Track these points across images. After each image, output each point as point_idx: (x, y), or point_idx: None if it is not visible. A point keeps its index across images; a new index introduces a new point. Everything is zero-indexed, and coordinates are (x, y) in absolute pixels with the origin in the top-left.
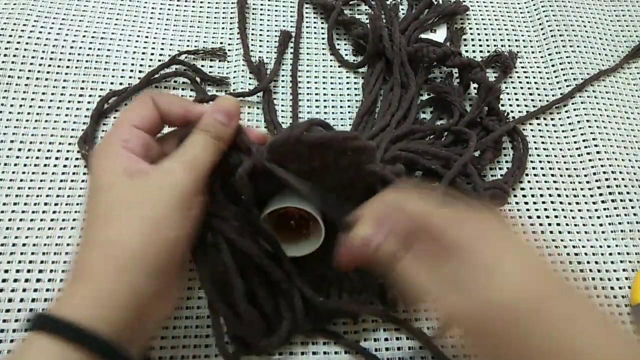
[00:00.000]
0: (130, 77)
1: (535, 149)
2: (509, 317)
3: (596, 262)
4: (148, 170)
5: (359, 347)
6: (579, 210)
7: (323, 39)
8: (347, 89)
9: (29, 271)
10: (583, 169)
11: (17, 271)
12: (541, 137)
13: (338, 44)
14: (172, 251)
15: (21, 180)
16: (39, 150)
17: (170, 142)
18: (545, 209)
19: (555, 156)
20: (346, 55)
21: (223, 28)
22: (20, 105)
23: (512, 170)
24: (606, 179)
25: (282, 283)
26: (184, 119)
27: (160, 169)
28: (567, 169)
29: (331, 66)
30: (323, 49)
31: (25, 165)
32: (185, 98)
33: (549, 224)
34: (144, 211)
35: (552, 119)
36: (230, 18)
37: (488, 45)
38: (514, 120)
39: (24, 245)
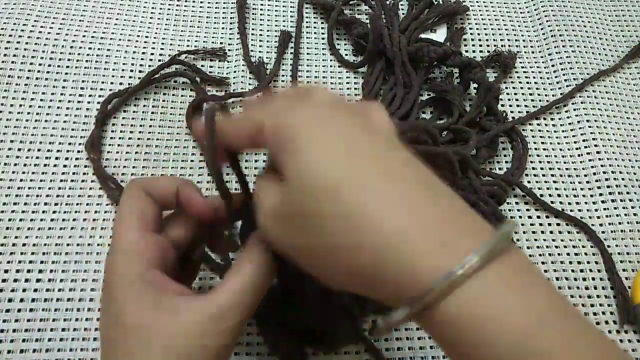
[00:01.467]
0: (130, 77)
1: (535, 149)
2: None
3: (596, 262)
4: (179, 304)
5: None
6: (579, 210)
7: (323, 39)
8: (347, 89)
9: (29, 271)
10: (583, 169)
11: (17, 271)
12: (541, 137)
13: (338, 44)
14: None
15: (21, 180)
16: (39, 150)
17: (175, 226)
18: (546, 209)
19: (555, 156)
20: (346, 55)
21: (223, 28)
22: (20, 105)
23: (511, 170)
24: (606, 179)
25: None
26: (173, 203)
27: (199, 304)
28: (567, 169)
29: (331, 66)
30: (323, 49)
31: (25, 165)
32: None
33: (549, 224)
34: None
35: (552, 119)
36: (230, 18)
37: (488, 45)
38: (513, 120)
39: (24, 245)
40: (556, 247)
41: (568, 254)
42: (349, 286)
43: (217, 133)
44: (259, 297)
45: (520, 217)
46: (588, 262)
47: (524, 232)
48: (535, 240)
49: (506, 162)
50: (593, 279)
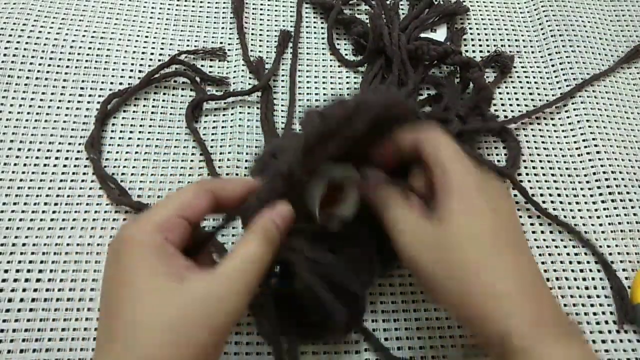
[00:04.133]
0: (130, 77)
1: (536, 148)
2: (499, 347)
3: (596, 262)
4: (188, 275)
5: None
6: (579, 210)
7: (323, 38)
8: (347, 88)
9: (29, 271)
10: (583, 169)
11: (17, 271)
12: (541, 137)
13: (338, 44)
14: None
15: (21, 180)
16: (39, 150)
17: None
18: (546, 209)
19: (555, 156)
20: (346, 54)
21: (223, 28)
22: (20, 105)
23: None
24: (606, 179)
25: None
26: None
27: (212, 278)
28: (567, 169)
29: (331, 66)
30: (323, 48)
31: (25, 165)
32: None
33: (549, 224)
34: (186, 331)
35: (552, 119)
36: (230, 18)
37: (488, 45)
38: (503, 120)
39: (24, 245)
40: (556, 247)
41: (568, 254)
42: (457, 318)
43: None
44: (262, 270)
45: (520, 216)
46: (588, 262)
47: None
48: (535, 240)
49: (498, 161)
50: (593, 278)
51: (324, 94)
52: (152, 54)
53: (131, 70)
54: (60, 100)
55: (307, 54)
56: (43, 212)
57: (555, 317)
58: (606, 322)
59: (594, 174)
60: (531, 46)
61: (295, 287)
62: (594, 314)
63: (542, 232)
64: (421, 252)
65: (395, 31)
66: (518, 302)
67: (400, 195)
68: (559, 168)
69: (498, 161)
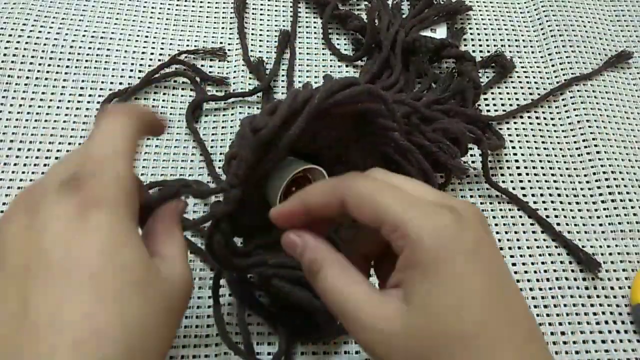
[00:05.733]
0: (130, 77)
1: (536, 148)
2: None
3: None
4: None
5: None
6: (579, 210)
7: (323, 37)
8: None
9: None
10: (583, 169)
11: None
12: (541, 137)
13: (338, 43)
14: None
15: (21, 180)
16: (38, 150)
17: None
18: (546, 209)
19: (555, 156)
20: (345, 51)
21: (223, 28)
22: (20, 105)
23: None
24: (606, 179)
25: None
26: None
27: (167, 265)
28: (567, 169)
29: (331, 66)
30: (323, 48)
31: (25, 165)
32: None
33: (540, 223)
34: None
35: (552, 119)
36: (230, 18)
37: (488, 45)
38: (488, 116)
39: None
40: (556, 247)
41: (568, 254)
42: None
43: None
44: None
45: (520, 216)
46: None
47: (506, 232)
48: (536, 240)
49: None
50: (593, 278)
51: None
52: (152, 54)
53: (131, 70)
54: (60, 100)
55: (307, 53)
56: None
57: None
58: (606, 322)
59: (594, 174)
60: (531, 46)
61: (272, 297)
62: (594, 314)
63: (534, 232)
64: (390, 349)
65: (394, 27)
66: None
67: (343, 261)
68: (559, 168)
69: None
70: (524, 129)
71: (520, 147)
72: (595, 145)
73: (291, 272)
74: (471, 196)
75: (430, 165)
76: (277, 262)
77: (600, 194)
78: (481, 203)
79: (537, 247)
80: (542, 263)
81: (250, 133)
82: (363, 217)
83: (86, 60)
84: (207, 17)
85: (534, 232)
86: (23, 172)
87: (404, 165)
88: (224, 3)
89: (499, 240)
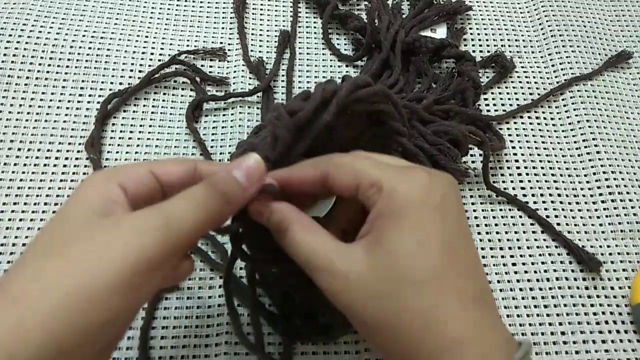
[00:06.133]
0: (130, 77)
1: (536, 148)
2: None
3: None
4: (119, 217)
5: None
6: (579, 210)
7: (323, 37)
8: None
9: None
10: (583, 168)
11: None
12: (541, 136)
13: (338, 43)
14: (100, 335)
15: (21, 180)
16: (39, 150)
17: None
18: (546, 209)
19: (556, 156)
20: (346, 51)
21: (223, 28)
22: (20, 105)
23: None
24: (606, 179)
25: None
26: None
27: (132, 220)
28: (567, 168)
29: (331, 66)
30: (323, 48)
31: (25, 165)
32: (191, 159)
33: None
34: (91, 274)
35: (552, 119)
36: (230, 18)
37: (488, 45)
38: (487, 116)
39: (24, 245)
40: (556, 247)
41: (568, 254)
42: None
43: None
44: (200, 231)
45: (520, 216)
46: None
47: (507, 232)
48: (536, 241)
49: (473, 161)
50: (593, 278)
51: None
52: (152, 54)
53: (131, 70)
54: (60, 100)
55: (307, 53)
56: (43, 212)
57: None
58: (606, 322)
59: (594, 174)
60: (531, 46)
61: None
62: (594, 314)
63: (535, 232)
64: (357, 294)
65: (394, 27)
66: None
67: (309, 219)
68: (559, 168)
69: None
70: (524, 129)
71: (520, 147)
72: (595, 145)
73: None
74: (471, 196)
75: (432, 168)
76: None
77: (600, 194)
78: (481, 203)
79: (537, 247)
80: (542, 263)
81: (287, 115)
82: (342, 183)
83: (86, 60)
84: (207, 17)
85: (534, 232)
86: (23, 172)
87: None
88: (224, 3)
89: (499, 240)
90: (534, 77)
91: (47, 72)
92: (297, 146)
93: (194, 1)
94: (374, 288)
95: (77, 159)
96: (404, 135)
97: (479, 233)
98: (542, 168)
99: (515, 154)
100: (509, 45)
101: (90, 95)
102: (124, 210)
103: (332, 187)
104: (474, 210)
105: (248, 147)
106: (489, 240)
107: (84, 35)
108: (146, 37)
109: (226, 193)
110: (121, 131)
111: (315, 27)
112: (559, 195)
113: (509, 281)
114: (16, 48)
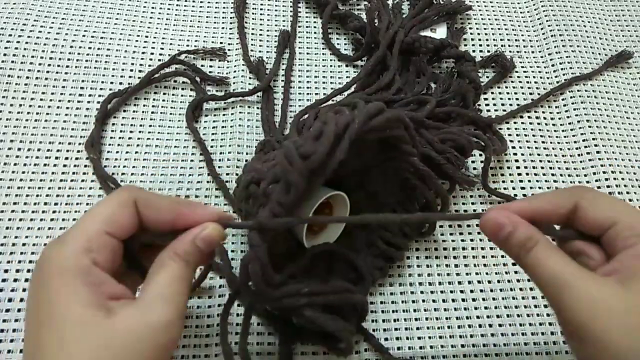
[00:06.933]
0: (130, 77)
1: (536, 148)
2: None
3: None
4: (115, 308)
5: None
6: None
7: (323, 37)
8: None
9: (29, 271)
10: (583, 168)
11: (17, 271)
12: (541, 137)
13: (338, 43)
14: None
15: (21, 180)
16: (38, 150)
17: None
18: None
19: (555, 156)
20: (345, 51)
21: (223, 28)
22: (20, 105)
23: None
24: (606, 179)
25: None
26: (172, 227)
27: (138, 308)
28: (567, 169)
29: (331, 66)
30: (323, 48)
31: (25, 165)
32: (174, 198)
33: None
34: None
35: (552, 119)
36: (230, 18)
37: (488, 45)
38: (488, 118)
39: (24, 245)
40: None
41: None
42: None
43: None
44: (188, 290)
45: None
46: None
47: None
48: None
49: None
50: None
51: (324, 92)
52: (152, 54)
53: (131, 70)
54: (60, 100)
55: (307, 53)
56: (43, 212)
57: None
58: None
59: (594, 174)
60: (531, 46)
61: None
62: None
63: None
64: (609, 322)
65: (394, 27)
66: None
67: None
68: (559, 168)
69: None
70: (524, 129)
71: (520, 147)
72: (595, 145)
73: (322, 298)
74: (471, 196)
75: (437, 174)
76: (310, 290)
77: None
78: (481, 203)
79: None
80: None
81: (299, 159)
82: (595, 218)
83: (86, 60)
84: (207, 17)
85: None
86: (23, 172)
87: (422, 190)
88: (224, 3)
89: None
90: (534, 77)
91: (47, 72)
92: (309, 187)
93: (194, 1)
94: (631, 322)
95: (77, 159)
96: (415, 155)
97: (479, 233)
98: (542, 168)
99: (515, 154)
100: (509, 45)
101: (90, 95)
102: (115, 298)
103: (580, 219)
104: (474, 211)
105: (256, 175)
106: (489, 240)
107: (84, 35)
108: (146, 37)
109: (194, 263)
110: (121, 131)
111: (315, 27)
112: None
113: (509, 281)
114: (16, 48)
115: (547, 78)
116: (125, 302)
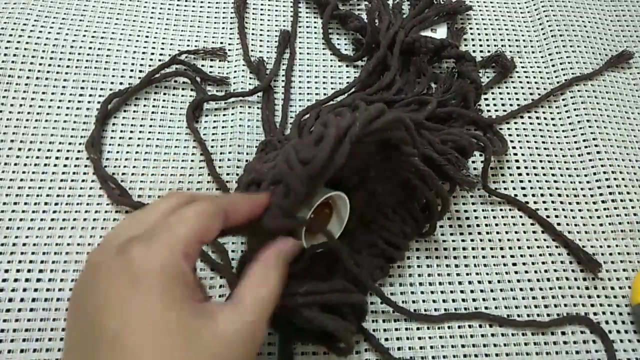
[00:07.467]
0: (130, 77)
1: (536, 148)
2: None
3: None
4: (215, 310)
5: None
6: (579, 210)
7: (323, 37)
8: (347, 83)
9: (29, 271)
10: (583, 168)
11: (17, 271)
12: (541, 136)
13: (338, 43)
14: None
15: (21, 180)
16: (39, 150)
17: None
18: (546, 209)
19: (556, 156)
20: (346, 51)
21: (223, 28)
22: (20, 105)
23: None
24: (606, 179)
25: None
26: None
27: (236, 310)
28: (567, 168)
29: (331, 66)
30: (323, 48)
31: (25, 165)
32: (241, 196)
33: (549, 224)
34: None
35: (552, 119)
36: (231, 18)
37: (488, 45)
38: (489, 118)
39: (24, 245)
40: (556, 247)
41: (568, 254)
42: None
43: None
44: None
45: (521, 216)
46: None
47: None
48: (536, 241)
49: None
50: (593, 278)
51: (324, 92)
52: (152, 54)
53: (131, 70)
54: (60, 100)
55: (308, 53)
56: (43, 212)
57: None
58: (606, 322)
59: (594, 174)
60: (531, 46)
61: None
62: (594, 314)
63: (535, 232)
64: None
65: (394, 27)
66: None
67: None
68: (559, 168)
69: (473, 162)
70: (524, 129)
71: (521, 147)
72: (596, 145)
73: (320, 297)
74: (471, 196)
75: (437, 175)
76: (307, 290)
77: (601, 194)
78: (481, 203)
79: (537, 247)
80: (542, 263)
81: (299, 165)
82: None
83: (86, 60)
84: (207, 17)
85: (534, 232)
86: (23, 172)
87: (423, 190)
88: (224, 3)
89: (499, 240)
90: (534, 77)
91: (47, 72)
92: (308, 190)
93: (194, 1)
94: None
95: (77, 159)
96: (415, 156)
97: (479, 233)
98: (542, 168)
99: (515, 154)
100: (509, 45)
101: (90, 95)
102: (209, 301)
103: None
104: (474, 211)
105: (256, 176)
106: (489, 240)
107: (84, 35)
108: (146, 37)
109: (284, 276)
110: (121, 131)
111: (315, 27)
112: (559, 195)
113: (509, 281)
114: (16, 48)
115: (548, 78)
116: (216, 304)
